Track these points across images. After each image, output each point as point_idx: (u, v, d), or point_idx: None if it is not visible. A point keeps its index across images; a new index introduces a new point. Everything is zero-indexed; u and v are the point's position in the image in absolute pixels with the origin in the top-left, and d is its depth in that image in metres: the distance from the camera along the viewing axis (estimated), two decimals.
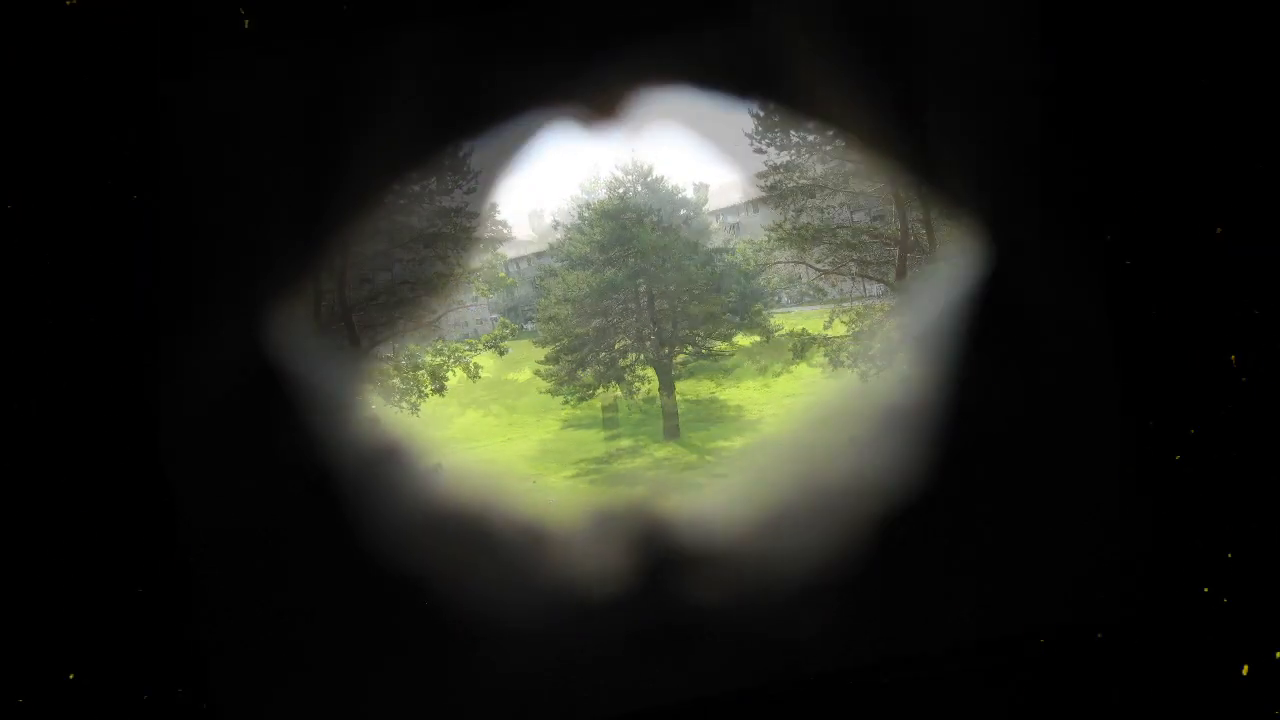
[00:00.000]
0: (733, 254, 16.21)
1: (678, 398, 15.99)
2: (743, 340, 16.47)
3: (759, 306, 16.16)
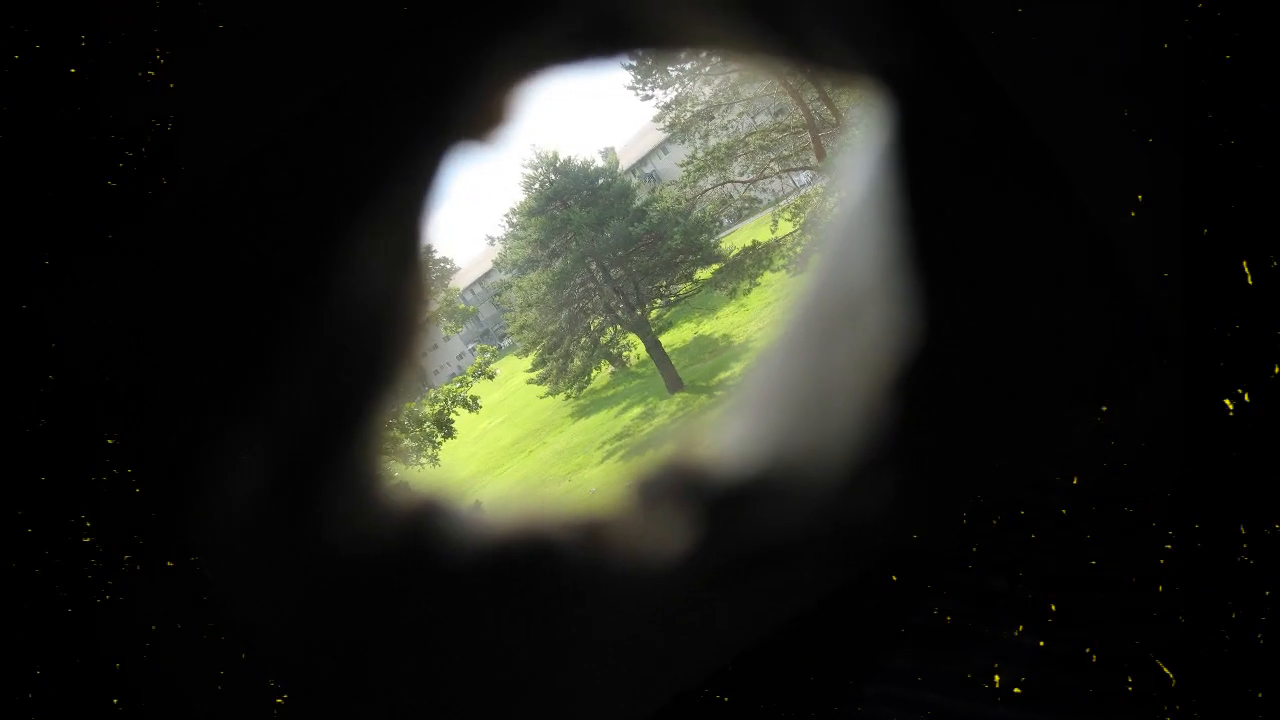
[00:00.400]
0: (662, 200, 16.38)
1: (666, 350, 16.25)
2: (703, 274, 16.69)
3: (705, 237, 16.38)
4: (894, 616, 2.01)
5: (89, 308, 1.48)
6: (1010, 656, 1.85)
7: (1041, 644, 1.87)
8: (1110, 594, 2.13)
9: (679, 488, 1.54)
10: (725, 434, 1.86)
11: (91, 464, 1.56)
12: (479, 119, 1.50)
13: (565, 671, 1.36)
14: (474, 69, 1.41)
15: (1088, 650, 1.86)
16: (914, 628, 2.06)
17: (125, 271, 1.41)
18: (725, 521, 1.56)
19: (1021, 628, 1.92)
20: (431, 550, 1.52)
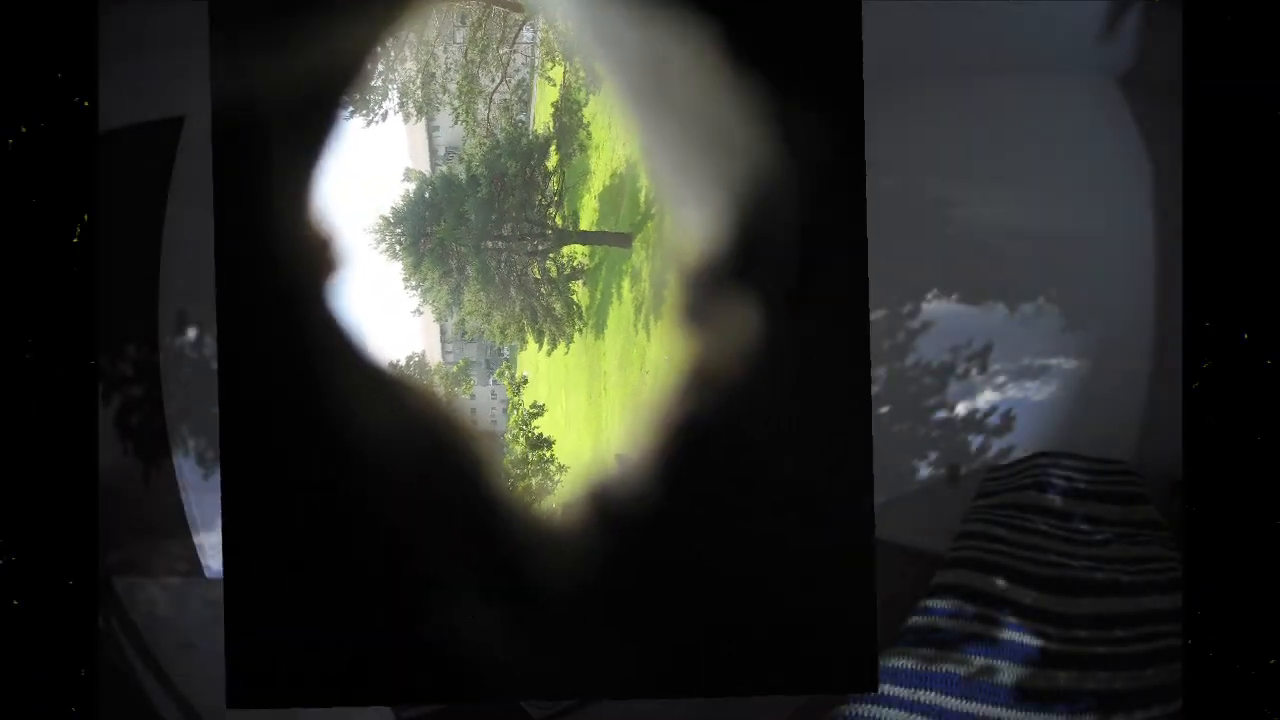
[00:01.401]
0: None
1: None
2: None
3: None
4: (894, 616, 2.03)
5: None
6: (1010, 656, 1.88)
7: (1042, 644, 1.91)
8: (1110, 594, 2.17)
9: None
10: None
11: None
12: None
13: None
14: None
15: (1088, 650, 1.90)
16: (914, 628, 2.08)
17: None
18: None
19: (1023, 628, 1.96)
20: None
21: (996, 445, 3.58)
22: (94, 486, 1.74)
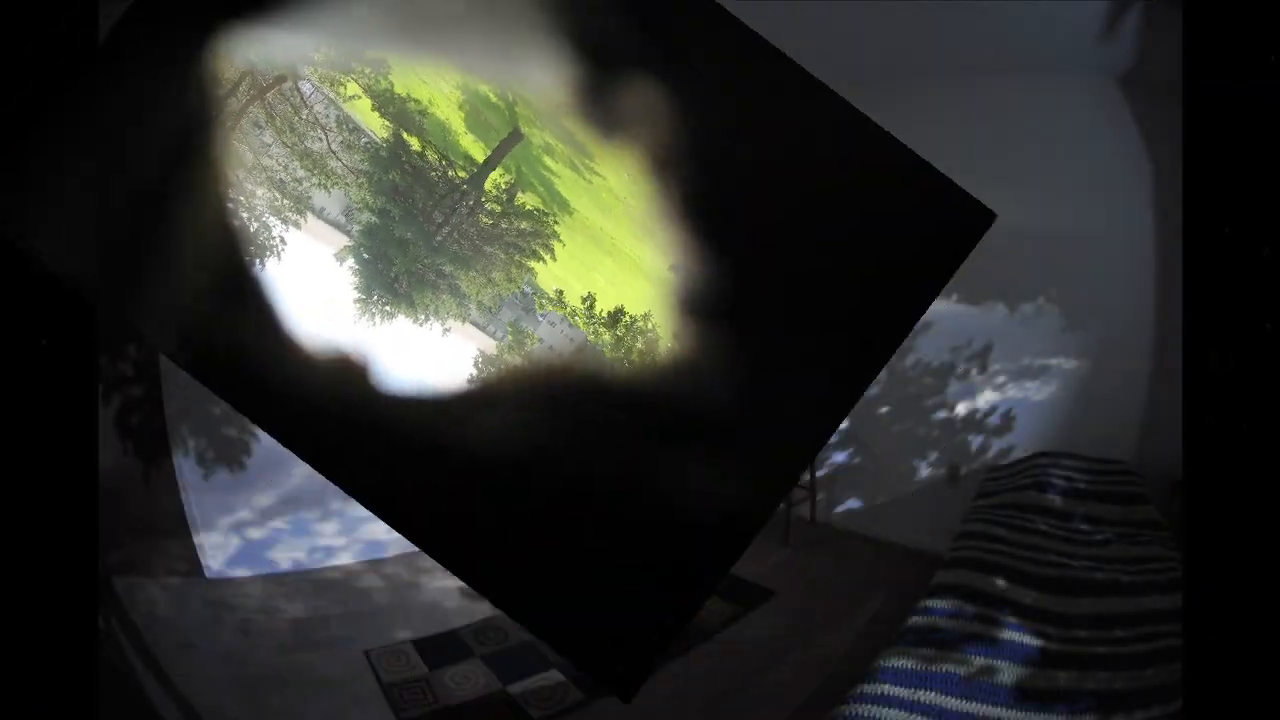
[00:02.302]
0: None
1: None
2: None
3: None
4: (894, 616, 2.03)
5: None
6: (1010, 656, 1.88)
7: (1042, 644, 1.91)
8: (1110, 594, 2.17)
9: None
10: None
11: None
12: None
13: None
14: None
15: (1088, 650, 1.90)
16: (914, 628, 2.08)
17: None
18: None
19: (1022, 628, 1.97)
20: None
21: (996, 445, 3.58)
22: (94, 486, 1.74)
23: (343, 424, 1.51)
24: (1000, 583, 2.22)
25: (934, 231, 1.43)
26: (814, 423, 1.39)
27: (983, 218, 1.42)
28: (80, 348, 1.70)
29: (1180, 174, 1.52)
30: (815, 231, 1.40)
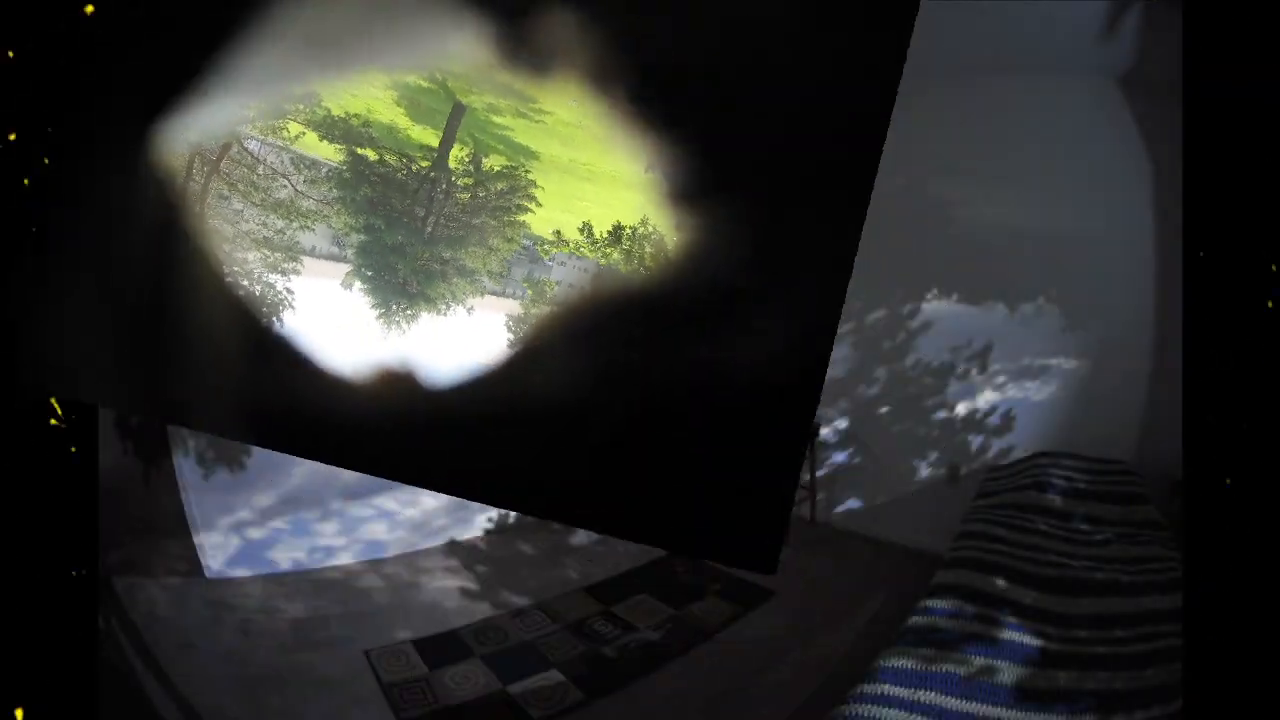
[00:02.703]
0: None
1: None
2: None
3: None
4: (894, 616, 2.03)
5: None
6: (1010, 656, 1.87)
7: (1042, 644, 1.90)
8: (1110, 594, 2.17)
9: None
10: None
11: None
12: None
13: None
14: None
15: (1088, 650, 1.90)
16: (914, 628, 2.08)
17: None
18: None
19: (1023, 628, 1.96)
20: None
21: (996, 445, 3.58)
22: (94, 486, 1.74)
23: (410, 431, 1.54)
24: (1000, 583, 2.21)
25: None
26: (835, 243, 1.37)
27: None
28: None
29: (1180, 174, 1.51)
30: (765, 77, 1.40)
